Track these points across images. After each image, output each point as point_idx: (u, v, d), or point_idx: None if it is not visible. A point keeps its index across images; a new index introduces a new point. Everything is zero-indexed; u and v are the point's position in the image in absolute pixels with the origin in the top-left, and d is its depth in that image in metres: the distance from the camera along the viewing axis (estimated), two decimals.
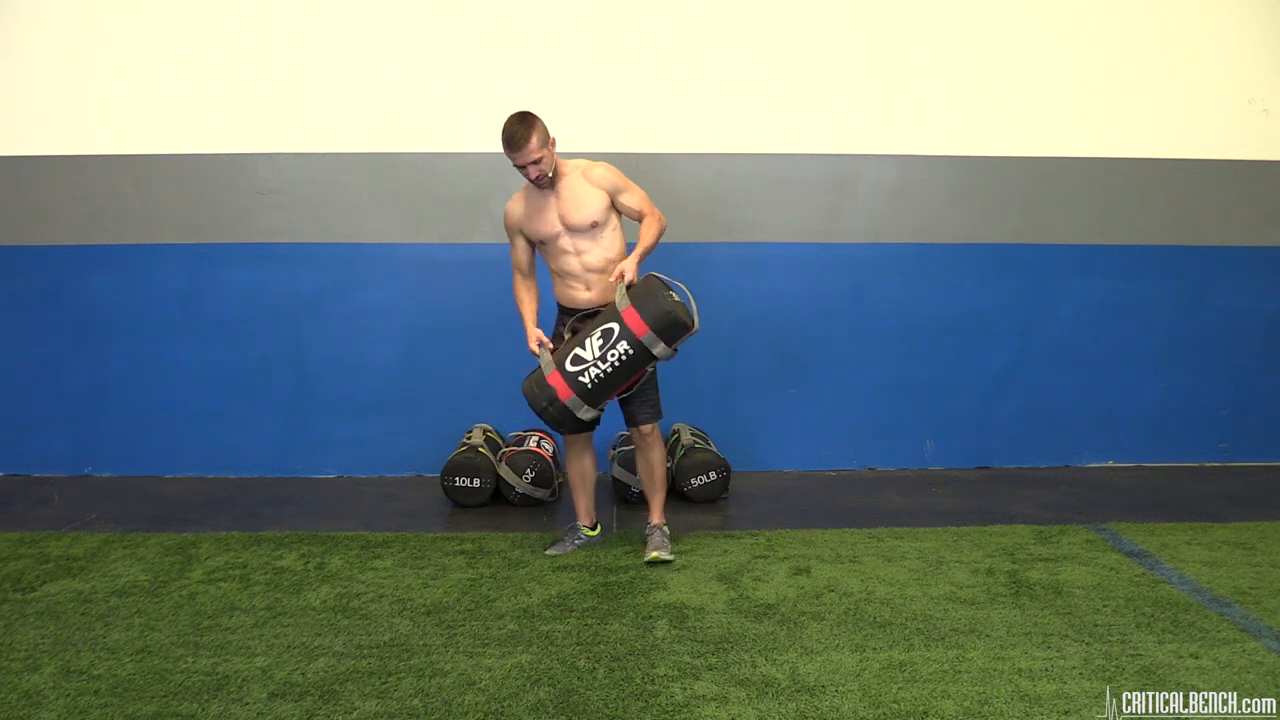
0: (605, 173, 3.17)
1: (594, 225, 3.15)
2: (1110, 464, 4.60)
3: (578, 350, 3.07)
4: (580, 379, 3.05)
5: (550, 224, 3.16)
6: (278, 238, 4.30)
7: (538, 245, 3.25)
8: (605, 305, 3.17)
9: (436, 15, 4.23)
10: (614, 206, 3.20)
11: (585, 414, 3.12)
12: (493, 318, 4.31)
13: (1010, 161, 4.39)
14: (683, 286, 3.14)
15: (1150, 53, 4.39)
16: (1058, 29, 4.36)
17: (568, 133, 4.22)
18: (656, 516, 3.37)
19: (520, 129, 3.02)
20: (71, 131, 4.23)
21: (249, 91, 4.24)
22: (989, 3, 4.34)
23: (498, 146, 4.25)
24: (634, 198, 3.20)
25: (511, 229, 3.26)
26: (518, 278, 3.32)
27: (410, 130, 4.28)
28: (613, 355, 3.03)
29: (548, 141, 3.08)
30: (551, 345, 3.19)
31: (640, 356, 3.05)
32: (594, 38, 4.27)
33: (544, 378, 3.10)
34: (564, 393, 3.07)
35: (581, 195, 3.14)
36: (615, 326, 3.04)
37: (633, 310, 3.02)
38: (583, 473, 3.42)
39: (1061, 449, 4.59)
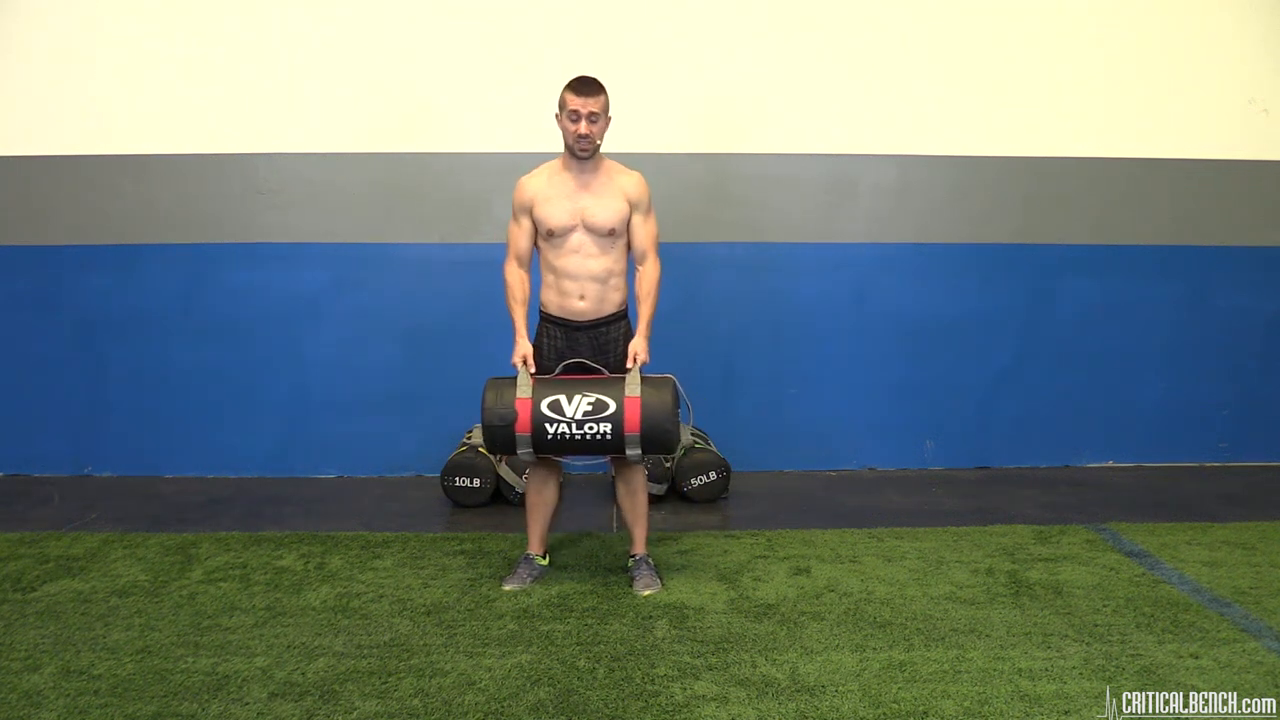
0: (639, 184, 2.99)
1: (611, 233, 2.95)
2: (1110, 464, 4.60)
3: (561, 399, 2.84)
4: (546, 426, 2.83)
5: (569, 214, 2.93)
6: (278, 238, 4.30)
7: (541, 237, 2.99)
8: (603, 324, 2.99)
9: (436, 15, 4.24)
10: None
11: (525, 455, 2.92)
12: (493, 318, 4.29)
13: (1010, 161, 4.39)
14: (689, 405, 2.94)
15: (1150, 53, 4.39)
16: (1058, 29, 4.36)
17: None
18: (640, 547, 3.14)
19: (593, 81, 2.91)
20: (71, 131, 4.23)
21: (249, 91, 4.24)
22: (989, 3, 4.34)
23: (498, 146, 4.32)
24: (648, 229, 3.01)
25: (521, 205, 2.98)
26: (511, 266, 3.04)
27: (410, 130, 4.28)
28: (591, 430, 2.82)
29: (608, 112, 2.94)
30: (534, 368, 2.96)
31: (612, 445, 2.85)
32: (594, 38, 4.26)
33: (513, 398, 2.87)
34: (522, 425, 2.84)
35: (609, 196, 2.95)
36: (611, 405, 2.82)
37: (637, 405, 2.82)
38: (544, 500, 3.14)
39: (1061, 449, 4.59)
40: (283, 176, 4.27)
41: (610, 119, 2.97)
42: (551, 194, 2.96)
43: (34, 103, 4.21)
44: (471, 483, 3.92)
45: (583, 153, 2.93)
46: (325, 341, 4.37)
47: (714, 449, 4.15)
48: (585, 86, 2.90)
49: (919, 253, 4.44)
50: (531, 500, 3.17)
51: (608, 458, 3.09)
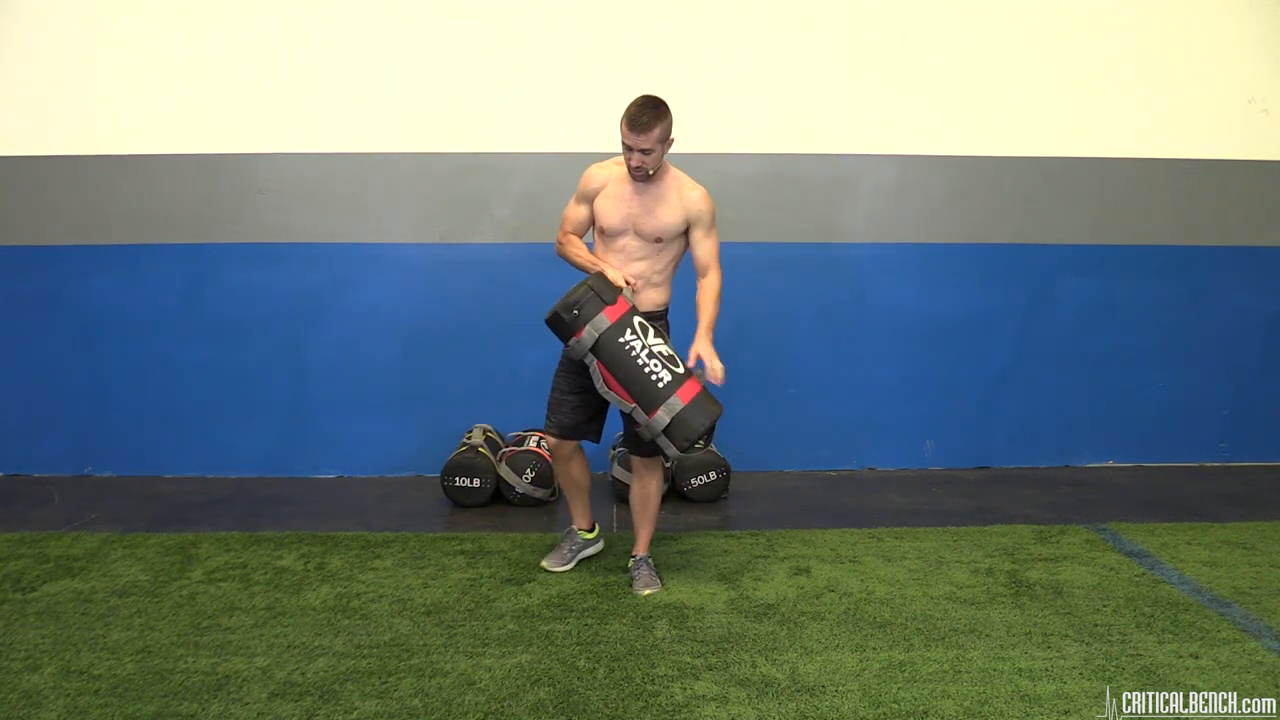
0: (701, 201, 2.97)
1: (659, 240, 2.97)
2: (1110, 464, 4.60)
3: (651, 329, 2.86)
4: (625, 332, 2.81)
5: (621, 218, 2.96)
6: (278, 238, 4.30)
7: (596, 229, 3.04)
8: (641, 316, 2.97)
9: (437, 15, 4.24)
10: (685, 234, 3.01)
11: (577, 345, 2.83)
12: (493, 318, 4.32)
13: (1010, 161, 4.40)
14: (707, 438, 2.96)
15: (1150, 53, 4.39)
16: (1058, 29, 4.36)
17: (569, 133, 4.25)
18: (642, 548, 3.17)
19: (648, 114, 2.84)
20: (71, 131, 4.23)
21: (249, 91, 4.24)
22: (989, 3, 4.34)
23: (498, 146, 4.32)
24: (709, 245, 3.00)
25: (585, 194, 3.02)
26: (570, 237, 3.05)
27: (410, 130, 4.27)
28: (652, 367, 2.80)
29: (666, 139, 2.90)
30: (637, 285, 2.96)
31: (652, 397, 2.80)
32: (594, 38, 4.27)
33: (618, 293, 2.84)
34: (613, 312, 2.81)
35: (663, 207, 2.95)
36: (680, 369, 2.84)
37: (695, 390, 2.82)
38: (573, 479, 3.23)
39: (1061, 449, 4.59)
40: (283, 176, 4.27)
41: (672, 140, 2.95)
42: (613, 194, 2.99)
43: (34, 103, 4.21)
44: (471, 483, 3.92)
45: (636, 179, 2.95)
46: (325, 341, 4.37)
47: (714, 449, 4.15)
48: (638, 123, 2.83)
49: (919, 252, 4.44)
50: (563, 481, 3.27)
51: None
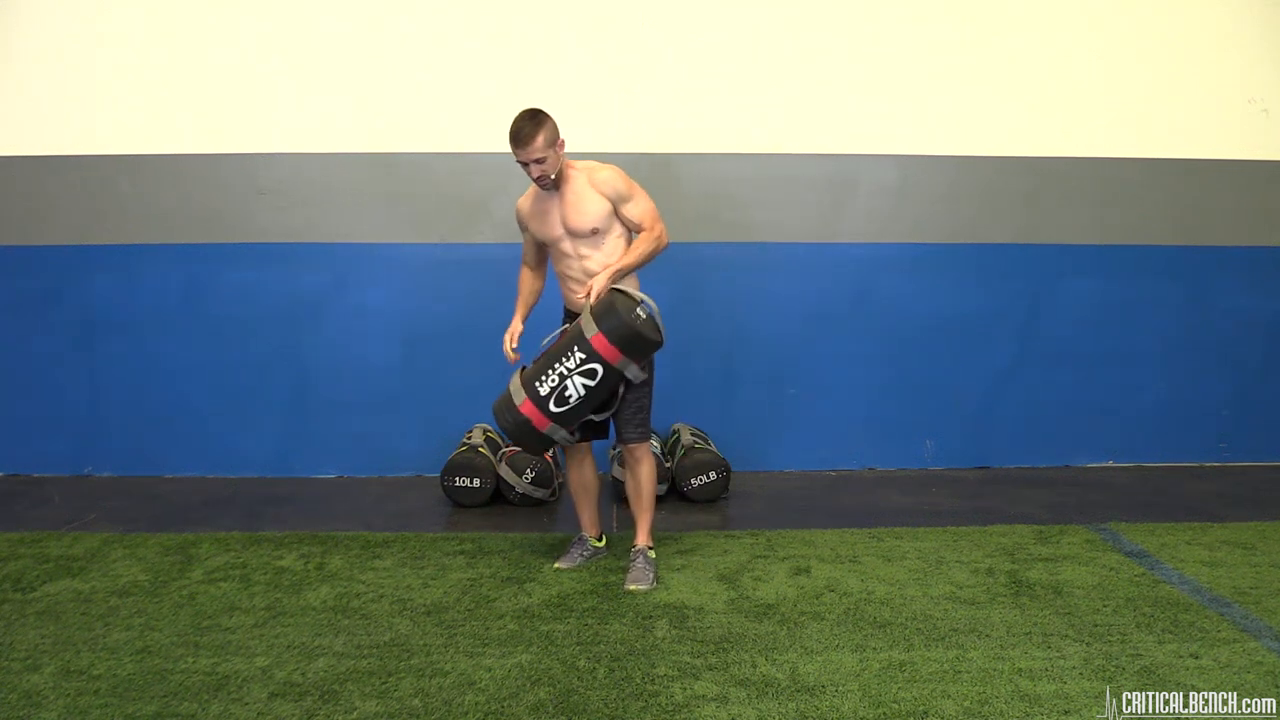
0: (611, 177, 2.99)
1: (595, 231, 2.99)
2: (1110, 464, 4.60)
3: (549, 370, 2.88)
4: (551, 406, 2.88)
5: (553, 226, 3.04)
6: (278, 238, 4.30)
7: (548, 248, 3.14)
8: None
9: (437, 15, 4.24)
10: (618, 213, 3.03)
11: (560, 436, 2.95)
12: (493, 318, 4.28)
13: (1010, 161, 4.40)
14: (648, 299, 2.93)
15: (1150, 53, 4.39)
16: (1058, 29, 4.36)
17: (569, 133, 4.23)
18: (642, 539, 3.20)
19: (527, 126, 2.89)
20: (71, 131, 4.23)
21: (249, 91, 4.24)
22: (989, 3, 4.35)
23: (498, 146, 4.28)
24: (637, 208, 3.00)
25: (520, 223, 3.18)
26: (524, 269, 3.25)
27: (410, 130, 4.28)
28: (581, 384, 2.86)
29: (555, 143, 2.93)
30: (514, 342, 3.09)
31: (612, 378, 2.89)
32: (595, 39, 4.27)
33: (515, 404, 2.90)
34: (540, 421, 2.89)
35: (584, 199, 2.99)
36: (584, 352, 2.85)
37: (601, 337, 2.82)
38: (584, 483, 3.28)
39: (1061, 449, 4.59)
40: (283, 176, 4.28)
41: (562, 141, 2.97)
42: (537, 210, 3.10)
43: (34, 103, 4.22)
44: (471, 483, 3.92)
45: (545, 188, 3.01)
46: (325, 341, 4.37)
47: (714, 449, 4.15)
48: (520, 137, 2.90)
49: (918, 252, 4.44)
50: (572, 484, 3.31)
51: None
